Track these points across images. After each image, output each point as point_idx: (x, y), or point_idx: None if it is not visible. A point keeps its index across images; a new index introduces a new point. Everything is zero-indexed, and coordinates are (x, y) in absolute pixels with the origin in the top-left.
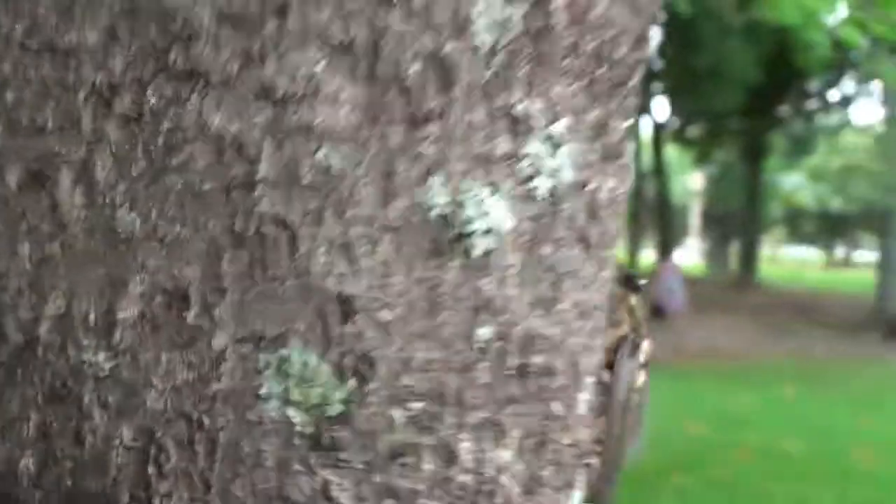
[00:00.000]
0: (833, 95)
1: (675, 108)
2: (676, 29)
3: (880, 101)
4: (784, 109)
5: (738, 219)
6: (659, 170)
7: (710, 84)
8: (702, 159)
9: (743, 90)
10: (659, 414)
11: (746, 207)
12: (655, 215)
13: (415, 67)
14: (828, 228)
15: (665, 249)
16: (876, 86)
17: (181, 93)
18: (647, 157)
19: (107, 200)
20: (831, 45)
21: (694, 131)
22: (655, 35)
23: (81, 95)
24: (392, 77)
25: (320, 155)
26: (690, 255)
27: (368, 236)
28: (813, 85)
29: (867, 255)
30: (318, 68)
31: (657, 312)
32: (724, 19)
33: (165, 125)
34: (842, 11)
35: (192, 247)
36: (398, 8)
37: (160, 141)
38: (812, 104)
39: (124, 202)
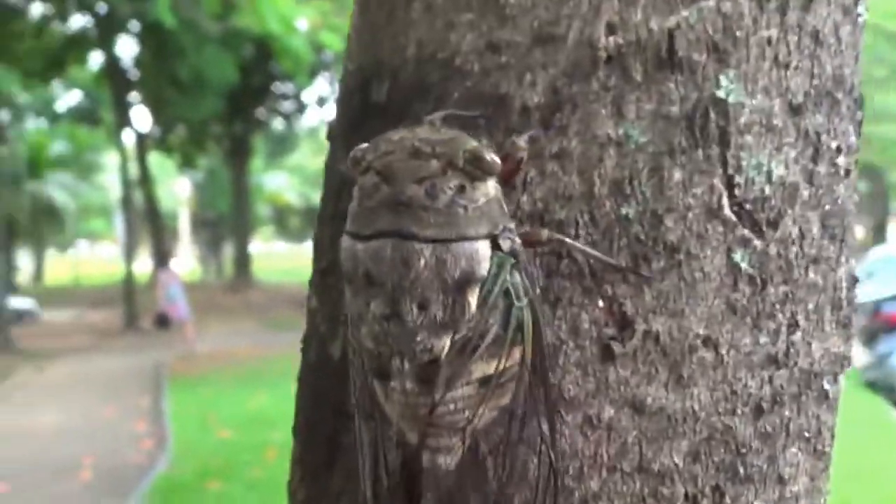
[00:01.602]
0: (309, 96)
1: (156, 117)
2: (155, 39)
3: None
4: (262, 112)
5: (227, 221)
6: (145, 179)
7: (191, 91)
8: (186, 165)
9: (222, 96)
10: (184, 424)
11: (235, 209)
12: (147, 224)
13: None
14: (313, 222)
15: (161, 258)
16: None
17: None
18: (133, 167)
19: None
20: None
21: (175, 138)
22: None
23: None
24: None
25: None
26: (185, 261)
27: None
28: (288, 88)
29: None
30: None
31: (162, 322)
32: (201, 29)
33: None
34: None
35: None
36: None
37: None
38: (289, 106)
39: None
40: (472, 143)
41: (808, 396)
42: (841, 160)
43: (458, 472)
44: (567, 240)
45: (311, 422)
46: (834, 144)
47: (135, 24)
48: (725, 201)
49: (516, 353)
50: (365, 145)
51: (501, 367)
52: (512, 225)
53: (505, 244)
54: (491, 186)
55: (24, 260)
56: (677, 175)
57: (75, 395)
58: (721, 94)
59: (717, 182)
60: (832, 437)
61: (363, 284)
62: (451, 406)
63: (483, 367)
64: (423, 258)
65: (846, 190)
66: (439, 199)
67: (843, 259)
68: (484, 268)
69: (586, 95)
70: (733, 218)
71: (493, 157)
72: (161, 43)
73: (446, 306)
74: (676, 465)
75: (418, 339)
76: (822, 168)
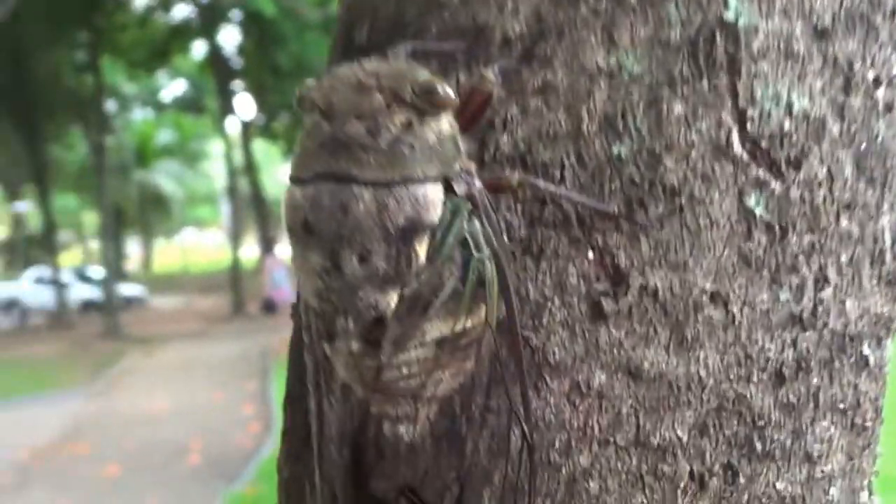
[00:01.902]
0: None
1: (260, 105)
2: (256, 28)
3: None
4: None
5: None
6: (250, 166)
7: (292, 78)
8: (291, 152)
9: None
10: None
11: None
12: (252, 211)
13: None
14: None
15: (267, 244)
16: None
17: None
18: (238, 155)
19: None
20: None
21: (279, 126)
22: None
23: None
24: None
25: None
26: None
27: None
28: None
29: None
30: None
31: (268, 307)
32: (302, 16)
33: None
34: None
35: None
36: None
37: None
38: None
39: None
40: (424, 75)
41: (843, 362)
42: (881, 93)
43: (430, 445)
44: (542, 183)
45: (296, 395)
46: (871, 75)
47: (236, 13)
48: (735, 137)
49: (480, 312)
50: (312, 81)
51: (461, 326)
52: (472, 167)
53: (460, 188)
54: (444, 123)
55: (132, 247)
56: (678, 108)
57: (184, 379)
58: (730, 15)
59: (726, 116)
60: (876, 409)
61: (302, 234)
62: (404, 370)
63: (439, 327)
64: (363, 203)
65: (889, 127)
66: (382, 137)
67: (885, 206)
68: (433, 214)
69: (573, 21)
70: (745, 156)
71: (446, 90)
72: (262, 31)
73: (390, 257)
74: (680, 438)
75: (360, 294)
76: (855, 101)
